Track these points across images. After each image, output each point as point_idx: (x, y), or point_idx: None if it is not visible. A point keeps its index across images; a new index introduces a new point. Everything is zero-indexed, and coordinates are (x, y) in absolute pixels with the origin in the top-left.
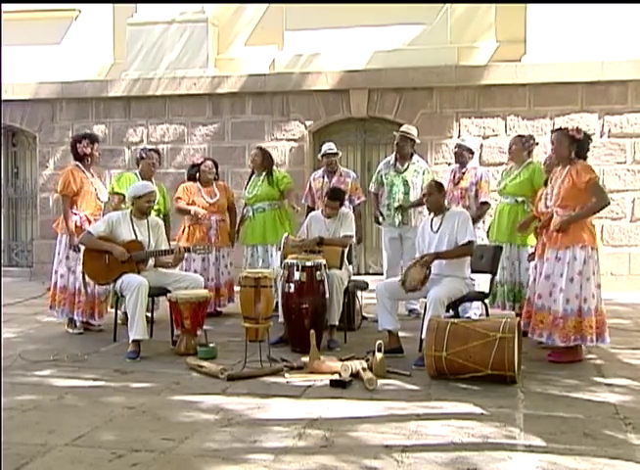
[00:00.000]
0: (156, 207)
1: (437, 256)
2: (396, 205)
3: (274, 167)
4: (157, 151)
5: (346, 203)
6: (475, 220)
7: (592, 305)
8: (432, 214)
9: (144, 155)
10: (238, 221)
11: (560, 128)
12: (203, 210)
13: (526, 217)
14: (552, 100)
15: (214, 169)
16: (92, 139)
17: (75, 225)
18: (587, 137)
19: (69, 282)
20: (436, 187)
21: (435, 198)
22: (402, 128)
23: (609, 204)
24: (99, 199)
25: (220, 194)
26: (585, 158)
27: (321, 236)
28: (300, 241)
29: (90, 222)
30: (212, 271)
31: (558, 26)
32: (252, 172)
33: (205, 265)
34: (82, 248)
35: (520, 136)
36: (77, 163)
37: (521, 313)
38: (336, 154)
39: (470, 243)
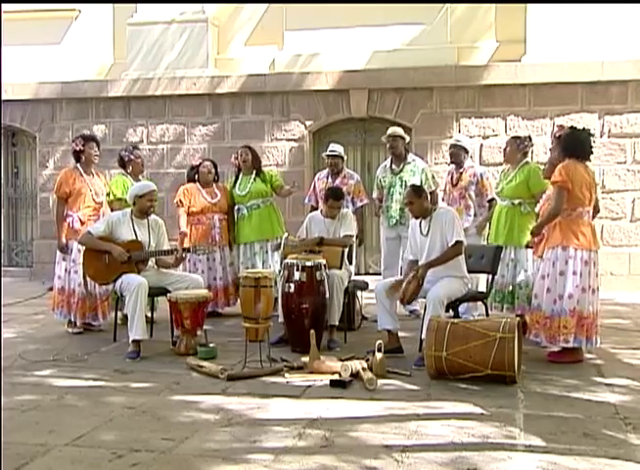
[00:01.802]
0: None
1: (429, 266)
2: (394, 205)
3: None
4: (138, 148)
5: (349, 205)
6: (487, 220)
7: (568, 305)
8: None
9: (131, 156)
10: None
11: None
12: (184, 227)
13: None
14: (552, 100)
15: (214, 170)
16: (85, 138)
17: (68, 226)
18: (571, 134)
19: (66, 283)
20: (415, 194)
21: (418, 205)
22: (389, 131)
23: (557, 214)
24: (94, 200)
25: (221, 194)
26: (575, 155)
27: (321, 236)
28: (301, 241)
29: (83, 223)
30: (219, 270)
31: (558, 26)
32: (238, 171)
33: (210, 264)
34: (81, 248)
35: (514, 138)
36: (77, 164)
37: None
38: (338, 156)
39: (457, 243)
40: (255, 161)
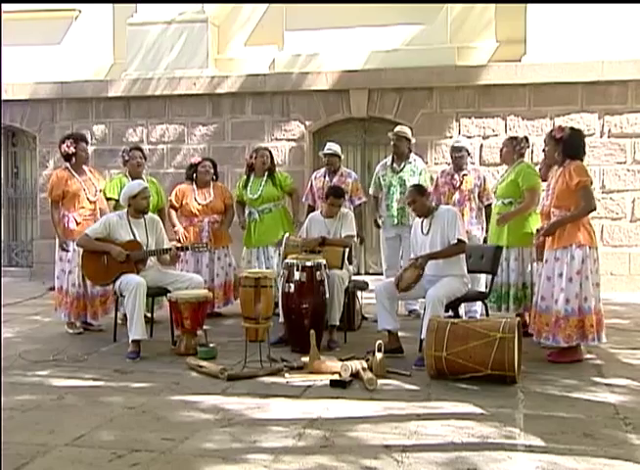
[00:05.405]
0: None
1: (430, 257)
2: (395, 204)
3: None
4: (138, 148)
5: (347, 203)
6: (486, 225)
7: (592, 303)
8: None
9: (127, 156)
10: (241, 222)
11: (550, 130)
12: (183, 230)
13: (509, 211)
14: (552, 100)
15: (212, 170)
16: (76, 138)
17: (63, 227)
18: (574, 135)
19: (63, 283)
20: (418, 192)
21: (420, 203)
22: (396, 129)
23: (594, 209)
24: (89, 199)
25: (215, 195)
26: (577, 156)
27: (323, 236)
28: (303, 240)
29: (79, 224)
30: (206, 274)
31: (558, 26)
32: (249, 172)
33: (199, 267)
34: (78, 249)
35: (511, 138)
36: (67, 164)
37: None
38: (335, 155)
39: (459, 242)
40: (272, 163)
